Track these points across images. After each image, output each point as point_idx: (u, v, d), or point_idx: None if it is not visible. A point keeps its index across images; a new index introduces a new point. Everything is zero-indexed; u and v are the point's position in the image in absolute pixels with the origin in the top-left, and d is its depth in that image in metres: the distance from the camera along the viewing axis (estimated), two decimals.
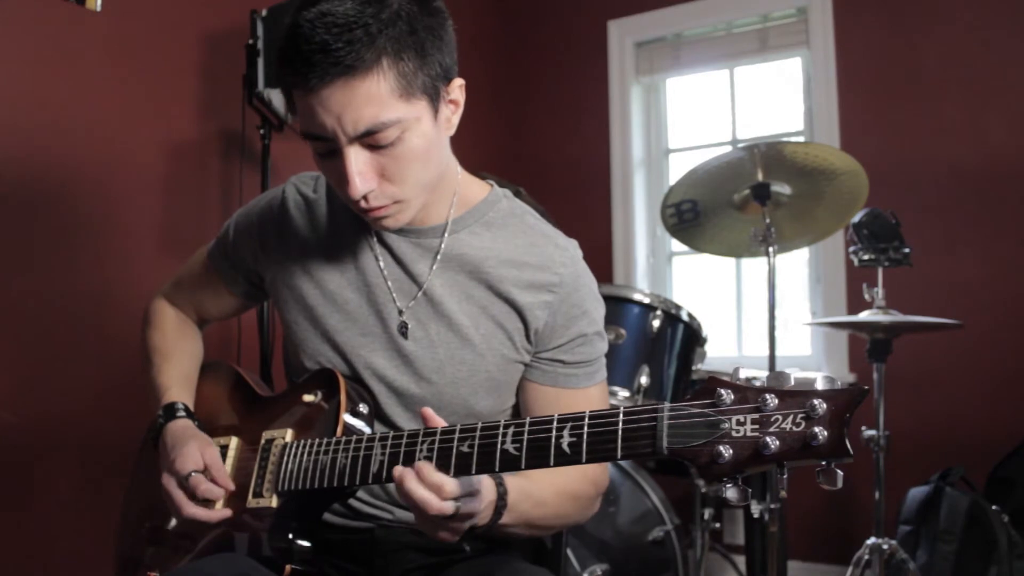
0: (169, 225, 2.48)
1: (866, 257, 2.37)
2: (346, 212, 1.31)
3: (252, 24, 2.39)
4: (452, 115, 1.18)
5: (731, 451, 0.82)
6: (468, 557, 1.30)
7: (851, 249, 2.42)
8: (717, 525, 2.65)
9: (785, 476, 0.82)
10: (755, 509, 2.26)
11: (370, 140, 1.08)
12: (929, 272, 2.78)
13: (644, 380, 2.41)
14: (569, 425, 0.94)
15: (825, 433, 0.79)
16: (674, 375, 2.51)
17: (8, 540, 2.03)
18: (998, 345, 2.92)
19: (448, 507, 1.00)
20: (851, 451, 0.79)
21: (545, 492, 1.20)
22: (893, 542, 2.33)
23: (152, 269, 2.36)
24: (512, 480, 1.13)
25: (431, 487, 1.00)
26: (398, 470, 1.02)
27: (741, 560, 2.74)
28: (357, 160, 1.09)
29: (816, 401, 0.80)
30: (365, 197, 1.12)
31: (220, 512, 1.21)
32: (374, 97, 1.05)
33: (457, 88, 1.17)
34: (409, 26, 1.07)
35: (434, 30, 1.10)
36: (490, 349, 1.26)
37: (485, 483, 1.07)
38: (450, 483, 1.00)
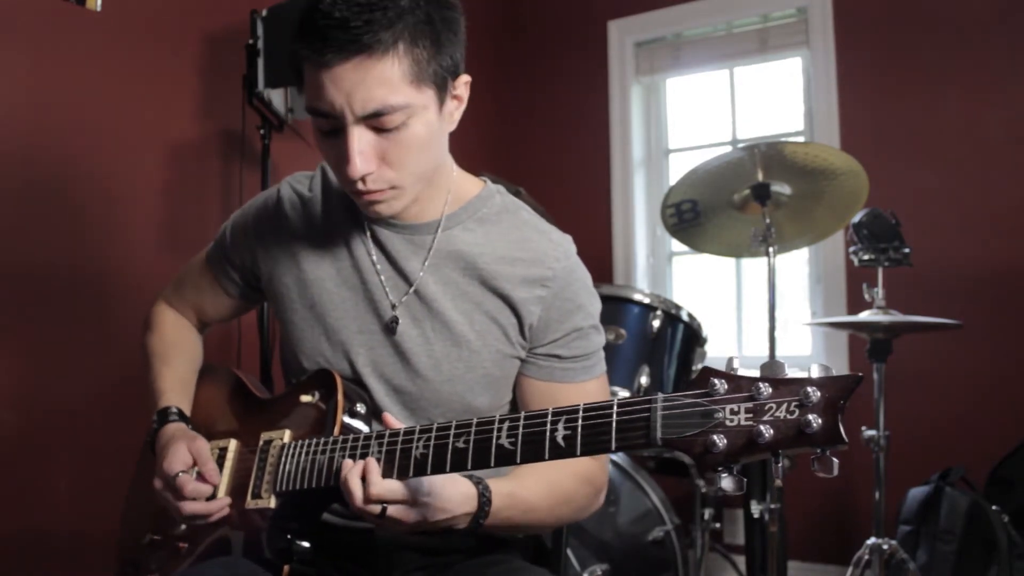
0: (169, 225, 2.48)
1: (866, 257, 2.37)
2: (341, 209, 1.32)
3: (252, 24, 2.40)
4: (455, 110, 1.20)
5: (725, 440, 0.82)
6: (468, 557, 1.30)
7: (851, 249, 2.42)
8: (717, 525, 2.65)
9: (780, 465, 0.81)
10: (755, 509, 2.26)
11: (376, 122, 1.09)
12: (929, 272, 2.77)
13: (644, 380, 2.41)
14: (564, 418, 0.94)
15: (819, 420, 0.78)
16: (674, 375, 2.51)
17: (8, 540, 2.03)
18: (998, 345, 2.92)
19: (374, 509, 1.03)
20: (846, 438, 0.78)
21: (537, 497, 1.20)
22: (893, 542, 2.33)
23: (152, 269, 2.36)
24: (499, 486, 1.14)
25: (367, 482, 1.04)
26: (348, 463, 1.06)
27: (741, 560, 2.73)
28: (360, 140, 1.10)
29: (810, 389, 0.80)
30: (363, 179, 1.13)
31: (219, 503, 1.20)
32: (386, 79, 1.07)
33: (463, 84, 1.19)
34: (427, 15, 1.09)
35: (449, 24, 1.13)
36: (485, 345, 1.26)
37: (459, 492, 1.08)
38: (379, 485, 1.03)
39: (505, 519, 1.14)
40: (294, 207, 1.34)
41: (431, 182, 1.24)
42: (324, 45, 1.05)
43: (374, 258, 1.29)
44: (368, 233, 1.30)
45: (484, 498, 1.10)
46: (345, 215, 1.31)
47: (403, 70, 1.07)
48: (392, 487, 1.03)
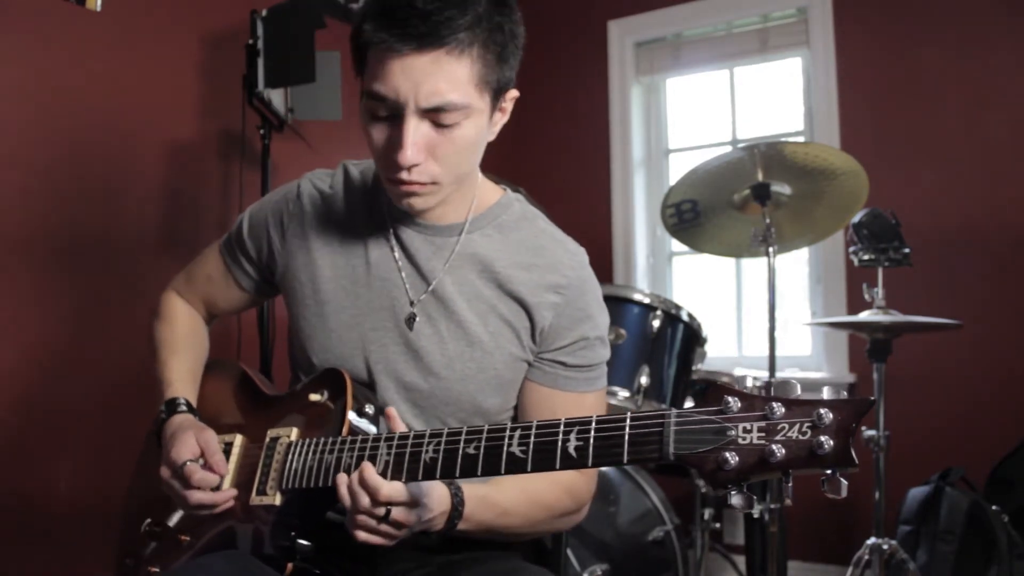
0: (169, 225, 2.47)
1: (866, 257, 2.37)
2: (363, 207, 1.33)
3: (252, 24, 2.39)
4: (499, 121, 1.23)
5: (737, 458, 0.82)
6: (468, 557, 1.30)
7: (851, 249, 2.42)
8: (717, 525, 2.66)
9: (790, 484, 0.82)
10: (755, 509, 2.26)
11: (435, 116, 1.11)
12: (929, 272, 2.78)
13: (644, 380, 2.40)
14: (576, 429, 0.94)
15: (831, 442, 0.79)
16: (674, 375, 2.50)
17: (8, 540, 2.03)
18: (998, 345, 2.92)
19: (380, 511, 1.05)
20: (856, 461, 0.80)
21: (512, 501, 1.21)
22: (893, 542, 2.34)
23: (152, 269, 2.36)
24: (473, 489, 1.15)
25: (368, 489, 1.05)
26: (343, 476, 1.08)
27: (741, 560, 2.74)
28: (417, 131, 1.11)
29: (823, 411, 0.81)
30: (408, 169, 1.14)
31: (225, 494, 1.20)
32: (455, 77, 1.09)
33: (510, 99, 1.22)
34: (499, 24, 1.12)
35: (515, 37, 1.16)
36: (498, 347, 1.27)
37: (437, 494, 1.10)
38: (387, 487, 1.04)
39: (479, 522, 1.17)
40: (313, 203, 1.35)
41: (462, 185, 1.25)
42: (404, 33, 1.06)
43: (396, 255, 1.30)
44: (391, 231, 1.31)
45: (457, 499, 1.13)
46: (367, 213, 1.32)
47: (472, 72, 1.10)
48: (399, 489, 1.05)
